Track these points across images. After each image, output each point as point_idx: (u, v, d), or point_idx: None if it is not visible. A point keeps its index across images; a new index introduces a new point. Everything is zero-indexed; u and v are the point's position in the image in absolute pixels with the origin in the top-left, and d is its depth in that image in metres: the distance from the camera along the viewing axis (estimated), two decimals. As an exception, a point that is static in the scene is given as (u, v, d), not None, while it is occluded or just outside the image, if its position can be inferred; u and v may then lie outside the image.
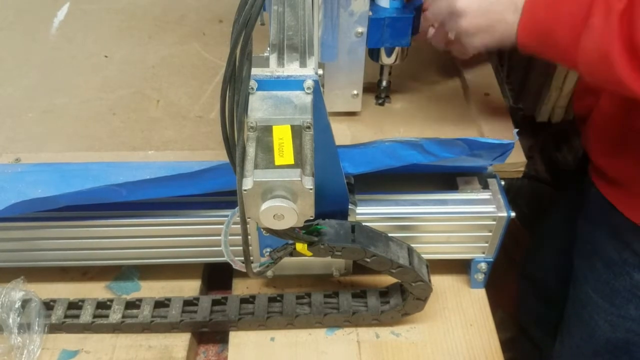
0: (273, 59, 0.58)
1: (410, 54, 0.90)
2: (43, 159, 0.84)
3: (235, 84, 0.53)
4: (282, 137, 0.54)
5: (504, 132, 0.87)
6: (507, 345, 0.86)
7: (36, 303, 0.80)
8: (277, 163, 0.52)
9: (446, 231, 0.81)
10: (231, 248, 0.66)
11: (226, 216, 0.65)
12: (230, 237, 0.66)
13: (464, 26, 0.75)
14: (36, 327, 0.79)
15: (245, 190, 0.51)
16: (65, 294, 0.84)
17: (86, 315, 0.81)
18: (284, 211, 0.52)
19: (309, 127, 0.55)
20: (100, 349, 0.80)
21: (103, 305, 0.82)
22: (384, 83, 0.93)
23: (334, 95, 0.89)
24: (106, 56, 1.06)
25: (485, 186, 0.83)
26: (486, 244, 0.83)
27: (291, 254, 0.71)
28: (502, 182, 0.83)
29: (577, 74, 1.04)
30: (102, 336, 0.82)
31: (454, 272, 0.89)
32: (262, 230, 0.76)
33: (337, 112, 0.91)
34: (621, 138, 0.79)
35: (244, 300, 0.83)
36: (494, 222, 0.80)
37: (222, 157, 0.58)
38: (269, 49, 0.58)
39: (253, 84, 0.56)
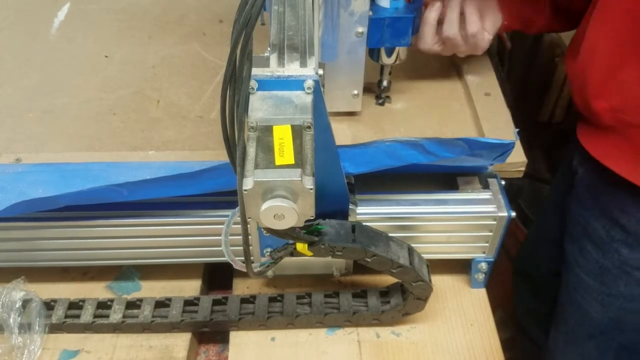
0: (273, 58, 0.57)
1: (410, 54, 0.90)
2: (43, 159, 0.84)
3: (235, 84, 0.53)
4: (282, 137, 0.53)
5: (504, 132, 0.87)
6: (507, 344, 0.86)
7: (37, 303, 0.80)
8: (277, 163, 0.52)
9: (446, 231, 0.81)
10: (231, 248, 0.66)
11: (226, 216, 0.65)
12: (230, 237, 0.66)
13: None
14: (37, 327, 0.79)
15: (245, 190, 0.51)
16: (65, 294, 0.84)
17: (87, 315, 0.81)
18: (285, 211, 0.52)
19: (309, 127, 0.55)
20: (101, 348, 0.80)
21: (103, 305, 0.82)
22: (384, 83, 0.93)
23: (334, 95, 0.89)
24: (106, 56, 1.06)
25: (485, 186, 0.83)
26: (487, 244, 0.83)
27: (292, 254, 0.71)
28: (503, 182, 0.83)
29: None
30: (102, 336, 0.82)
31: (454, 272, 0.89)
32: (262, 230, 0.76)
33: (337, 112, 0.92)
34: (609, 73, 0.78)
35: (245, 300, 0.83)
36: (495, 222, 0.80)
37: (222, 157, 0.58)
38: (269, 49, 0.58)
39: (253, 84, 0.56)
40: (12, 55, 1.07)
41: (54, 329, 0.81)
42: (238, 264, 0.68)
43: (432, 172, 0.82)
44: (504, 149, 0.75)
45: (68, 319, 0.81)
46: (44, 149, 0.88)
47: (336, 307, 0.82)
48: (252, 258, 0.67)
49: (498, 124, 0.89)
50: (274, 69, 0.57)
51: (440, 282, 0.88)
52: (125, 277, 0.88)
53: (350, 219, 0.77)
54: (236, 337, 0.82)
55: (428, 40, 0.88)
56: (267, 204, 0.52)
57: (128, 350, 0.80)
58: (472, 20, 0.86)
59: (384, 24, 0.81)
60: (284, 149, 0.53)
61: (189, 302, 0.83)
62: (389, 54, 0.87)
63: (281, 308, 0.82)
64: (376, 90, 0.95)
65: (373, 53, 0.88)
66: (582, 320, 0.95)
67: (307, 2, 0.58)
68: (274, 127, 0.54)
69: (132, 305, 0.82)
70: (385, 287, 0.83)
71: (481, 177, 0.84)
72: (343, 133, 0.90)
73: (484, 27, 0.87)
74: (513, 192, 1.58)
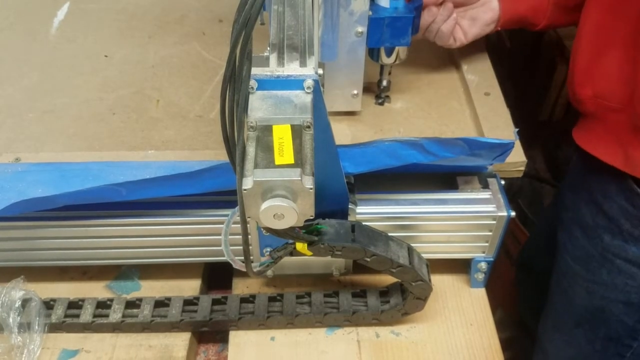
0: (273, 58, 0.58)
1: (410, 54, 0.90)
2: (43, 159, 0.84)
3: (235, 84, 0.53)
4: (282, 137, 0.54)
5: (504, 132, 0.88)
6: (507, 344, 0.86)
7: (36, 302, 0.80)
8: (277, 162, 0.52)
9: (446, 231, 0.81)
10: (231, 247, 0.66)
11: (226, 216, 0.65)
12: (230, 237, 0.66)
13: None
14: (36, 327, 0.79)
15: (245, 189, 0.51)
16: (65, 293, 0.84)
17: (86, 315, 0.81)
18: (284, 211, 0.52)
19: (309, 127, 0.55)
20: (101, 348, 0.80)
21: (103, 305, 0.82)
22: (384, 83, 0.93)
23: (334, 94, 0.89)
24: (106, 56, 1.06)
25: (485, 186, 0.83)
26: (486, 244, 0.83)
27: (291, 254, 0.71)
28: (503, 182, 0.83)
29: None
30: (102, 335, 0.82)
31: (454, 272, 0.89)
32: (262, 229, 0.76)
33: (337, 112, 0.92)
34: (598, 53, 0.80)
35: (244, 300, 0.83)
36: (494, 222, 0.80)
37: (222, 156, 0.58)
38: (269, 48, 0.58)
39: (253, 83, 0.56)
40: (12, 55, 1.07)
41: (54, 328, 0.81)
42: (238, 263, 0.68)
43: (432, 172, 0.82)
44: (503, 149, 0.76)
45: (67, 319, 0.81)
46: (44, 149, 0.88)
47: (336, 307, 0.82)
48: (251, 258, 0.67)
49: (498, 123, 0.89)
50: (273, 69, 0.57)
51: (440, 281, 0.88)
52: (125, 276, 0.89)
53: (350, 218, 0.77)
54: (236, 337, 0.82)
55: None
56: (267, 203, 0.52)
57: (128, 349, 0.80)
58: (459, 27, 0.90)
59: (384, 24, 0.82)
60: (283, 148, 0.53)
61: (189, 302, 0.83)
62: (389, 54, 0.87)
63: (281, 308, 0.82)
64: (376, 90, 0.95)
65: (373, 53, 0.88)
66: (568, 306, 0.95)
67: (307, 2, 0.58)
68: (273, 126, 0.54)
69: (132, 304, 0.82)
70: (385, 287, 0.83)
71: (481, 177, 0.84)
72: (343, 133, 0.90)
73: (465, 36, 0.92)
74: (513, 191, 1.59)
